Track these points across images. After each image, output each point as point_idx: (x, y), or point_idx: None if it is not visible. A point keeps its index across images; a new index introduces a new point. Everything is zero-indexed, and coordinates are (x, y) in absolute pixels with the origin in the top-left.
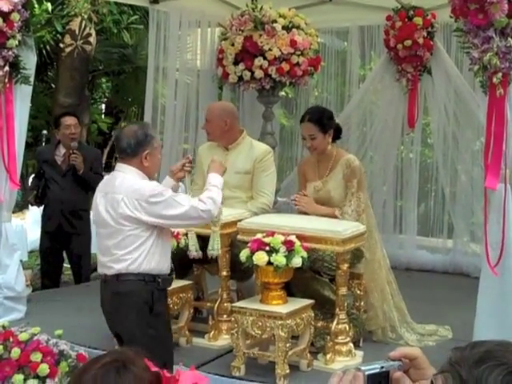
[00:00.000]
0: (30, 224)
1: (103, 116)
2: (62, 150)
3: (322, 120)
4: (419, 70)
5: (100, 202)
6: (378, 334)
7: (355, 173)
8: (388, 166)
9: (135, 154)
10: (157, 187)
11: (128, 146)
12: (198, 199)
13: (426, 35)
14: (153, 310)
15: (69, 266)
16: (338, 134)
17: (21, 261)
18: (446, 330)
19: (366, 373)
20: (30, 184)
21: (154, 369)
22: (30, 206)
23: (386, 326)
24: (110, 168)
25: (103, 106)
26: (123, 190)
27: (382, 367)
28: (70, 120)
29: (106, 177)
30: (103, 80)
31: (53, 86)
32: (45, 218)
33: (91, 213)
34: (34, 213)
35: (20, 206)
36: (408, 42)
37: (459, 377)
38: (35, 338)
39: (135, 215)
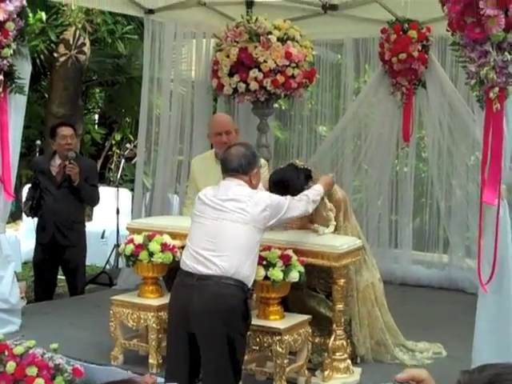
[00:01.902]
0: (23, 235)
1: (97, 126)
2: (57, 161)
3: (294, 189)
4: (414, 84)
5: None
6: (370, 357)
7: (339, 206)
8: (383, 180)
9: (246, 173)
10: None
11: (239, 166)
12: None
13: (420, 48)
14: (247, 318)
15: (63, 277)
16: (309, 177)
17: (15, 272)
18: (438, 348)
19: None
20: (24, 194)
21: None
22: (23, 216)
23: (379, 347)
24: (103, 179)
25: (97, 117)
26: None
27: None
28: (66, 130)
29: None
30: (97, 90)
31: (46, 95)
32: (39, 229)
33: (86, 224)
34: (28, 223)
35: (14, 217)
36: (403, 55)
37: None
38: (30, 351)
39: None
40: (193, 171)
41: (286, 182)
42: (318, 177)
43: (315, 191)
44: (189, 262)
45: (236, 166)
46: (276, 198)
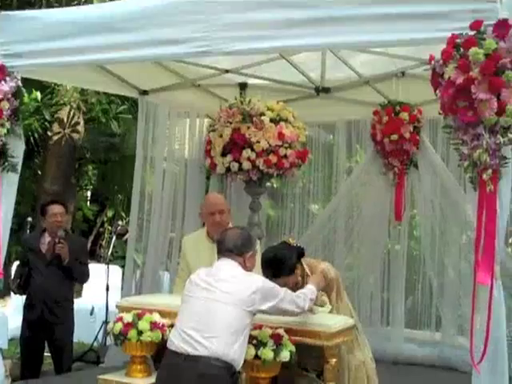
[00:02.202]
0: (11, 311)
1: (89, 203)
2: (46, 239)
3: (286, 268)
4: (405, 164)
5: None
6: None
7: (332, 285)
8: (375, 259)
9: (240, 254)
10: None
11: (234, 246)
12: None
13: (412, 130)
14: None
15: (49, 354)
16: (301, 255)
17: (0, 349)
18: None
19: None
20: (13, 271)
21: None
22: (11, 293)
23: None
24: (94, 256)
25: (89, 193)
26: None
27: None
28: (56, 208)
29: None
30: (90, 167)
31: (39, 172)
32: (27, 306)
33: (75, 301)
34: (16, 300)
35: (2, 294)
36: (394, 137)
37: None
38: None
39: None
40: (184, 251)
41: (279, 260)
42: (312, 269)
43: (310, 290)
44: (176, 342)
45: (231, 247)
46: (270, 284)
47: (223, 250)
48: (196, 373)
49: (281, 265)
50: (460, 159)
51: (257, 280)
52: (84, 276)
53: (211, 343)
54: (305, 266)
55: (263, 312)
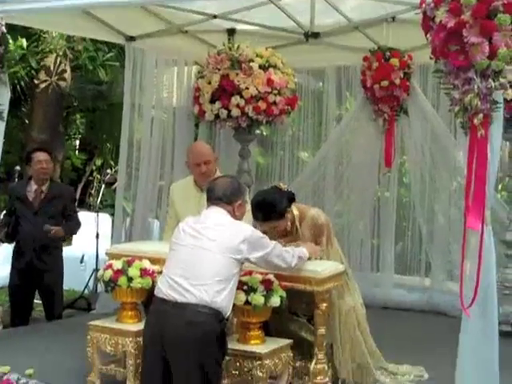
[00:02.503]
0: (0, 260)
1: (77, 152)
2: (33, 187)
3: (276, 211)
4: (396, 110)
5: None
6: (353, 377)
7: (322, 231)
8: (365, 205)
9: (229, 202)
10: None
11: (224, 195)
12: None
13: (402, 76)
14: (222, 347)
15: (40, 302)
16: (292, 200)
17: None
18: (420, 371)
19: None
20: (0, 221)
21: None
22: (1, 242)
23: (360, 370)
24: (83, 204)
25: (77, 143)
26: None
27: None
28: (41, 155)
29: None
30: (78, 116)
31: (26, 121)
32: (15, 254)
33: (65, 249)
34: (5, 249)
35: None
36: (385, 83)
37: None
38: (5, 377)
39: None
40: (172, 198)
41: (269, 204)
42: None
43: (301, 252)
44: (164, 289)
45: (220, 195)
46: (259, 234)
47: (212, 199)
48: (184, 320)
49: (271, 208)
50: (451, 104)
51: (245, 229)
52: (77, 229)
53: (199, 291)
54: (295, 212)
55: (250, 262)
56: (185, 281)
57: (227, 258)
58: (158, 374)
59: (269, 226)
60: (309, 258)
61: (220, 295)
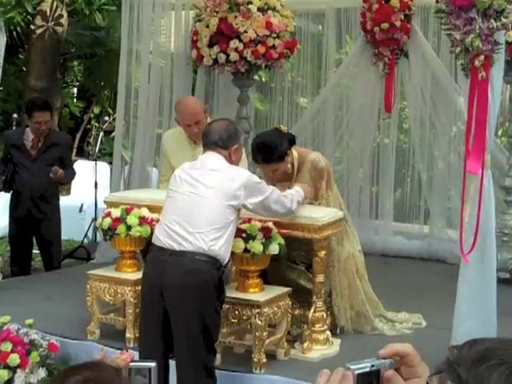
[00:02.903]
0: None
1: (75, 100)
2: (30, 135)
3: (277, 153)
4: (396, 54)
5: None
6: (349, 328)
7: (322, 174)
8: (364, 152)
9: (226, 147)
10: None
11: (220, 139)
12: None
13: (403, 18)
14: (220, 295)
15: (39, 252)
16: (292, 142)
17: None
18: (418, 318)
19: (356, 372)
20: None
21: None
22: None
23: (359, 318)
24: (81, 152)
25: (75, 90)
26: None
27: (373, 366)
28: (42, 117)
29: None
30: (75, 63)
31: (24, 68)
32: (13, 203)
33: (64, 198)
34: (3, 199)
35: None
36: (385, 25)
37: (458, 377)
38: (5, 327)
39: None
40: (164, 147)
41: (270, 145)
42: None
43: (298, 192)
44: (162, 238)
45: (216, 139)
46: (256, 179)
47: (208, 143)
48: (182, 268)
49: (272, 150)
50: (452, 45)
51: (242, 174)
52: (72, 179)
53: (196, 238)
54: (295, 155)
55: (247, 209)
56: (182, 229)
57: (224, 204)
58: (157, 323)
59: (269, 168)
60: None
61: (217, 243)
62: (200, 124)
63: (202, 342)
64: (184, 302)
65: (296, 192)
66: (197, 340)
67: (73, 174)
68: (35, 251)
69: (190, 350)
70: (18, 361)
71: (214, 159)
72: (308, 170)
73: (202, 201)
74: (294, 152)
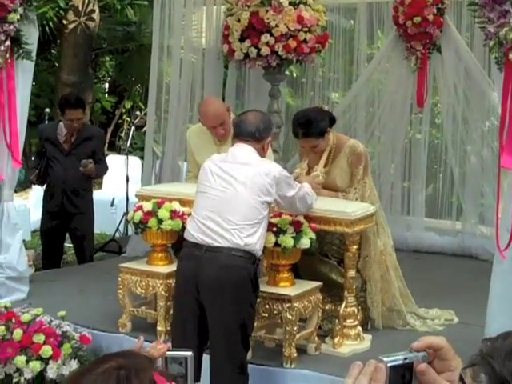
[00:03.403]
0: (33, 204)
1: (107, 95)
2: (63, 130)
3: (317, 128)
4: (428, 48)
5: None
6: (380, 324)
7: (360, 159)
8: (396, 147)
9: (261, 138)
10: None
11: (257, 130)
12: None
13: (435, 12)
14: (256, 289)
15: (71, 245)
16: (333, 121)
17: (23, 240)
18: (450, 315)
19: (389, 364)
20: (32, 163)
21: None
22: (32, 185)
23: (391, 313)
24: (113, 147)
25: (107, 85)
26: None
27: (406, 358)
28: (74, 114)
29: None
30: (107, 58)
31: (56, 63)
32: (46, 197)
33: (96, 192)
34: (37, 192)
35: (23, 186)
36: (417, 19)
37: (491, 369)
38: (38, 319)
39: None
40: (189, 143)
41: (311, 119)
42: (339, 143)
43: (311, 190)
44: (195, 234)
45: (253, 130)
46: (287, 174)
47: (243, 135)
48: (218, 264)
49: (312, 124)
50: (485, 38)
51: (274, 168)
52: (104, 173)
53: (231, 235)
54: (333, 139)
55: (277, 203)
56: (216, 225)
57: (257, 200)
58: (192, 318)
59: (308, 144)
60: None
61: (252, 238)
62: (225, 124)
63: (239, 337)
64: (221, 297)
65: (307, 188)
66: (234, 336)
67: (104, 168)
68: (68, 244)
69: (226, 345)
70: (50, 352)
71: (245, 152)
72: (346, 154)
73: (236, 196)
74: (333, 136)
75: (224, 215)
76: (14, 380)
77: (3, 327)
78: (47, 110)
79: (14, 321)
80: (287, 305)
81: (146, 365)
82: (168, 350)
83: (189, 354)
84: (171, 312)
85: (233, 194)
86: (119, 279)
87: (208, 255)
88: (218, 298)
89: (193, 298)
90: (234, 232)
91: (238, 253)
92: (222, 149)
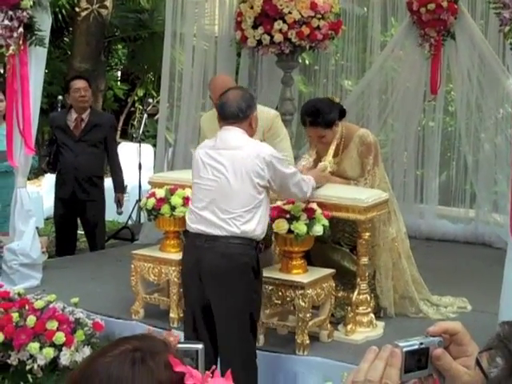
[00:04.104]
0: (46, 191)
1: (119, 83)
2: (73, 115)
3: (325, 118)
4: (442, 35)
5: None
6: (392, 311)
7: (370, 149)
8: (409, 135)
9: (246, 117)
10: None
11: (240, 110)
12: None
13: None
14: (258, 275)
15: (83, 233)
16: (342, 114)
17: (37, 228)
18: (463, 302)
19: (404, 349)
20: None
21: (179, 368)
22: (45, 172)
23: (403, 301)
24: (126, 135)
25: (119, 73)
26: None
27: (421, 343)
28: (79, 83)
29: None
30: (119, 46)
31: (68, 51)
32: (58, 184)
33: (108, 181)
34: (50, 179)
35: (36, 173)
36: (431, 6)
37: (509, 352)
38: (51, 305)
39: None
40: (202, 129)
41: (319, 109)
42: (349, 133)
43: (311, 181)
44: (194, 226)
45: (236, 111)
46: (279, 155)
47: (228, 117)
48: (218, 253)
49: (319, 114)
50: (500, 24)
51: (265, 150)
52: (121, 174)
53: (228, 224)
54: (343, 130)
55: (270, 187)
56: (213, 215)
57: (251, 185)
58: (199, 309)
59: (315, 133)
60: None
61: (250, 224)
62: None
63: (245, 325)
64: (223, 286)
65: (309, 178)
66: (239, 323)
67: (119, 170)
68: (80, 232)
69: (232, 333)
70: (63, 339)
71: (233, 135)
72: (356, 144)
73: (229, 184)
74: (341, 127)
75: (219, 205)
76: (28, 367)
77: (17, 314)
78: (60, 97)
79: (27, 307)
80: (300, 292)
81: (162, 347)
82: (178, 343)
83: (199, 346)
84: (183, 299)
85: (226, 183)
86: (132, 266)
87: (208, 245)
88: (219, 286)
89: (197, 288)
90: (230, 221)
91: (236, 240)
92: None
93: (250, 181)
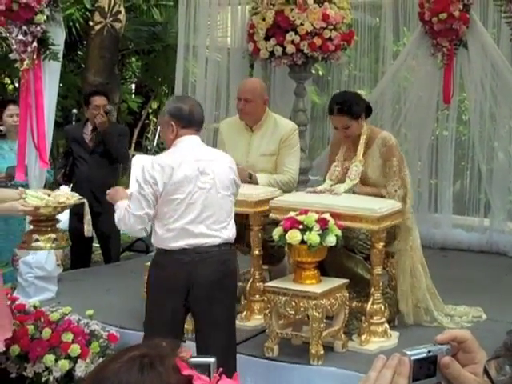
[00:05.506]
0: None
1: (133, 96)
2: (89, 128)
3: (352, 108)
4: (455, 44)
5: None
6: (410, 317)
7: (392, 151)
8: (422, 144)
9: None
10: None
11: (203, 117)
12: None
13: (461, 8)
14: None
15: (98, 245)
16: (368, 111)
17: None
18: (478, 311)
19: (413, 358)
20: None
21: (187, 371)
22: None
23: (418, 309)
24: (141, 147)
25: (133, 86)
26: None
27: (429, 351)
28: (99, 100)
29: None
30: (133, 59)
31: (82, 65)
32: None
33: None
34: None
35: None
36: (443, 15)
37: None
38: (66, 318)
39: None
40: (221, 134)
41: (347, 98)
42: (372, 134)
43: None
44: (182, 242)
45: (203, 119)
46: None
47: (199, 123)
48: (214, 261)
49: (347, 102)
50: None
51: (231, 159)
52: (120, 151)
53: (221, 232)
54: (367, 130)
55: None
56: (204, 227)
57: (229, 193)
58: (180, 320)
59: (341, 123)
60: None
61: (232, 229)
62: (249, 103)
63: (235, 327)
64: (220, 293)
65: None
66: (231, 326)
67: (122, 149)
68: (95, 244)
69: (226, 338)
70: (78, 351)
71: (204, 146)
72: (378, 146)
73: (215, 196)
74: (367, 127)
75: (210, 216)
76: (43, 379)
77: (32, 326)
78: (74, 111)
79: (42, 320)
80: (313, 302)
81: (169, 351)
82: (190, 357)
83: (211, 360)
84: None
85: (212, 195)
86: (145, 278)
87: (199, 257)
88: (217, 294)
89: (182, 303)
90: (222, 230)
91: (226, 246)
92: (252, 138)
93: (228, 191)
